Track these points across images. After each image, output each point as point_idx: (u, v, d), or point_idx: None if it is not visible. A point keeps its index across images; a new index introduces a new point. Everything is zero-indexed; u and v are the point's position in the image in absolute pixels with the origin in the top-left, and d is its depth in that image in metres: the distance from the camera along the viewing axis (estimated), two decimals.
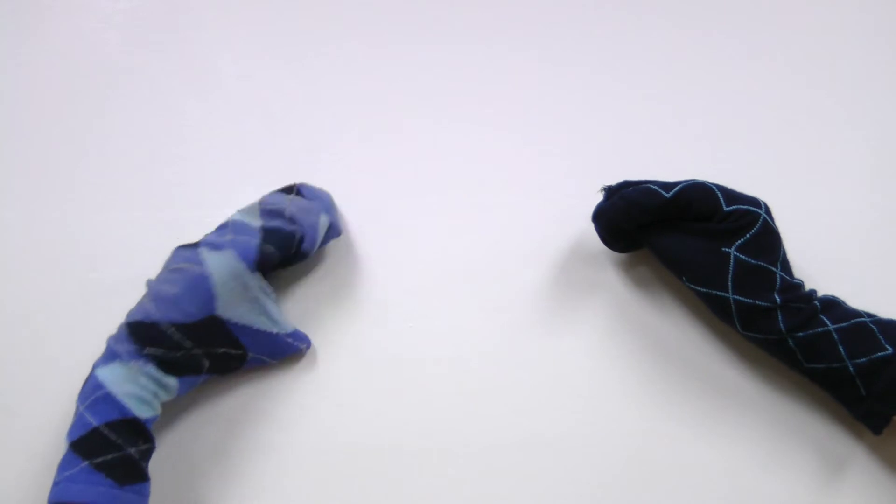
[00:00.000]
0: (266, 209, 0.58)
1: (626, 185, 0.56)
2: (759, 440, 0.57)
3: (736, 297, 0.53)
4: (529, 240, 0.62)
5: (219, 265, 0.55)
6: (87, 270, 0.63)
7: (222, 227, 0.57)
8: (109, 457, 0.51)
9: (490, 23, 0.67)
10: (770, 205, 0.56)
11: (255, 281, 0.56)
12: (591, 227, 0.58)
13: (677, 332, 0.60)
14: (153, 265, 0.58)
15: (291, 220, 0.57)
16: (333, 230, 0.60)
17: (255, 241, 0.55)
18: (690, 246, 0.54)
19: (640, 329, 0.60)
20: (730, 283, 0.53)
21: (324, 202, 0.60)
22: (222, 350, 0.56)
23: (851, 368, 0.52)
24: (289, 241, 0.56)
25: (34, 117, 0.67)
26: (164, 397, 0.55)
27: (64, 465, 0.51)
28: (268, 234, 0.56)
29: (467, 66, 0.67)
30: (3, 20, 0.69)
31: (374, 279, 0.62)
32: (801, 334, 0.53)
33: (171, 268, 0.56)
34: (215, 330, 0.55)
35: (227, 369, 0.58)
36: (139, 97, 0.67)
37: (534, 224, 0.63)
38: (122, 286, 0.62)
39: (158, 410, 0.54)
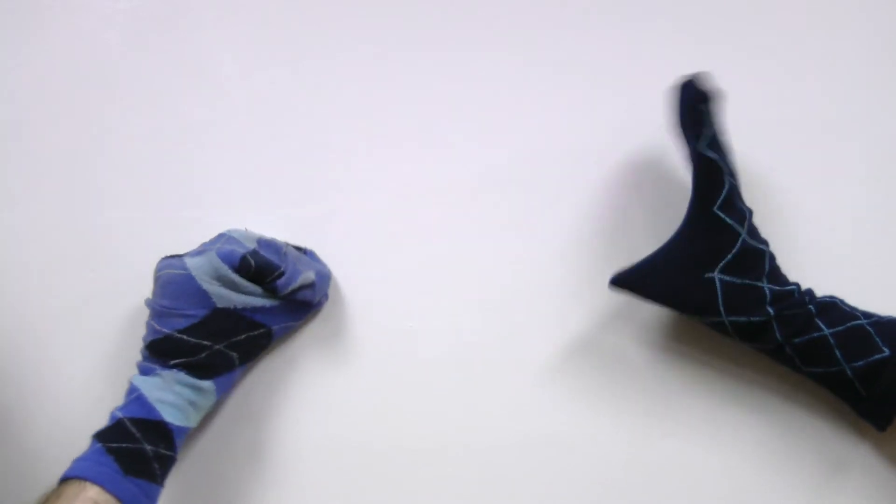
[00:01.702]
0: (264, 240, 0.58)
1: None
2: (760, 441, 0.57)
3: (730, 318, 0.53)
4: (529, 240, 0.62)
5: (199, 265, 0.55)
6: (87, 271, 0.63)
7: (217, 237, 0.58)
8: (123, 445, 0.51)
9: (492, 24, 0.67)
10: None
11: (241, 279, 0.55)
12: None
13: (674, 334, 0.60)
14: (153, 265, 0.58)
15: (282, 257, 0.57)
16: (313, 290, 0.58)
17: (239, 251, 0.55)
18: (673, 283, 0.54)
19: (639, 329, 0.60)
20: (721, 308, 0.53)
21: (320, 268, 0.60)
22: (244, 336, 0.56)
23: (849, 372, 0.52)
24: (269, 268, 0.55)
25: (34, 117, 0.67)
26: (204, 403, 0.55)
27: (83, 453, 0.52)
28: (254, 253, 0.56)
29: (471, 66, 0.66)
30: (3, 20, 0.69)
31: (374, 281, 0.62)
32: (797, 340, 0.53)
33: (155, 278, 0.57)
34: (227, 320, 0.55)
35: (259, 350, 0.58)
36: (139, 97, 0.67)
37: (533, 225, 0.63)
38: (122, 286, 0.62)
39: (192, 422, 0.54)
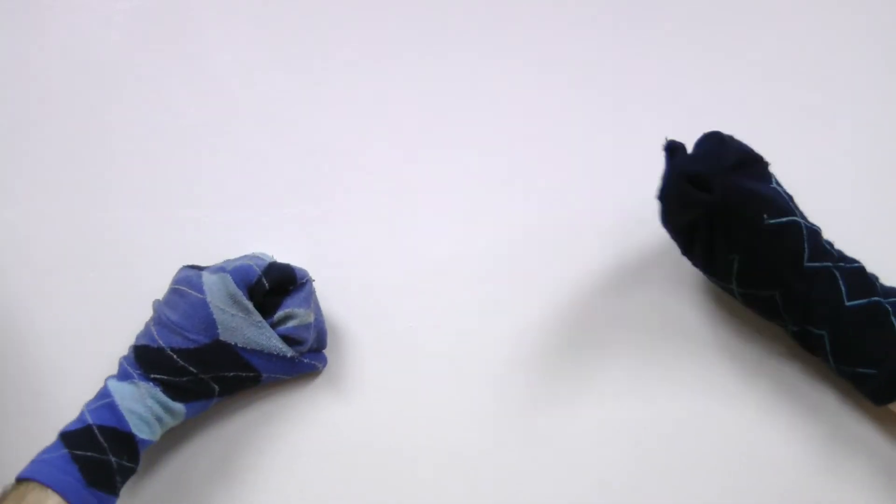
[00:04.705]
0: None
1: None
2: (759, 441, 0.57)
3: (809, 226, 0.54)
4: (530, 240, 0.62)
5: (215, 289, 0.54)
6: (88, 270, 0.63)
7: (242, 256, 0.58)
8: (90, 454, 0.51)
9: (494, 27, 0.67)
10: None
11: (253, 308, 0.55)
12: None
13: (673, 338, 0.60)
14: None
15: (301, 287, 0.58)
16: (308, 330, 0.57)
17: (256, 268, 0.55)
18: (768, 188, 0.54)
19: (641, 329, 0.60)
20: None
21: (322, 324, 0.60)
22: (232, 374, 0.55)
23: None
24: (289, 275, 0.56)
25: (34, 117, 0.67)
26: (170, 422, 0.55)
27: (47, 449, 0.51)
28: (271, 267, 0.56)
29: (473, 67, 0.66)
30: (3, 20, 0.69)
31: (374, 280, 0.62)
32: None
33: (172, 288, 0.56)
34: (223, 355, 0.55)
35: (240, 389, 0.58)
36: (139, 97, 0.67)
37: (536, 225, 0.63)
38: (122, 286, 0.62)
39: (157, 436, 0.54)
